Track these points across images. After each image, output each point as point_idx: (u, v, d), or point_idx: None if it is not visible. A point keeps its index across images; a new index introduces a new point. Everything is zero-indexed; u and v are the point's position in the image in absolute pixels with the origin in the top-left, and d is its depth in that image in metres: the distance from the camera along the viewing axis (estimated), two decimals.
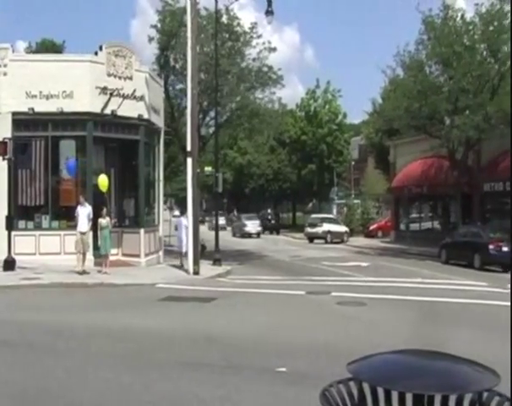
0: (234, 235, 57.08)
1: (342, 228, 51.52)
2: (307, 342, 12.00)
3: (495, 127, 32.22)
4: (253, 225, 56.84)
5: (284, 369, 9.63)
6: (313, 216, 55.94)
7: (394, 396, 3.13)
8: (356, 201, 63.39)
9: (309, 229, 51.28)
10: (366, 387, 3.17)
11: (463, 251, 30.06)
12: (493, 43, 33.40)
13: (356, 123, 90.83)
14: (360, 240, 50.55)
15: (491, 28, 33.53)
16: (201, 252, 27.14)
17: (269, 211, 70.21)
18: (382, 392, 3.14)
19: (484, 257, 28.44)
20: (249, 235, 55.12)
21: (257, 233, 56.35)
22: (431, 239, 38.01)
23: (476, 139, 34.61)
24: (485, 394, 3.09)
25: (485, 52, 34.72)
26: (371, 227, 56.21)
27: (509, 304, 18.01)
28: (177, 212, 48.79)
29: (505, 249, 28.30)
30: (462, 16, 34.77)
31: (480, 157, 38.02)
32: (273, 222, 66.25)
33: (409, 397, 3.10)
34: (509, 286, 20.81)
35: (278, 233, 63.71)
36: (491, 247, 28.38)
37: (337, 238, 49.51)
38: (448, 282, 23.19)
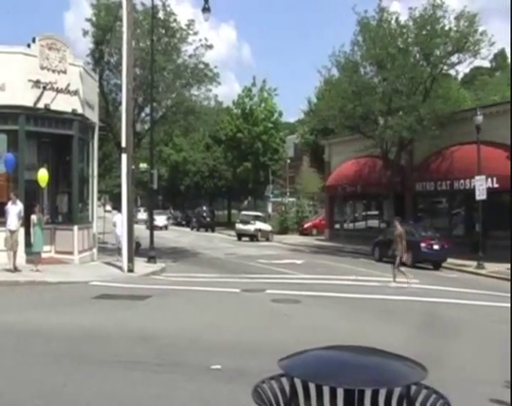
0: (147, 228, 57.84)
1: (268, 227, 52.02)
2: (242, 339, 12.06)
3: (427, 128, 32.94)
4: (160, 219, 63.81)
5: (219, 366, 9.66)
6: (244, 213, 55.86)
7: (326, 391, 3.20)
8: (291, 199, 63.79)
9: (241, 226, 51.14)
10: (298, 383, 3.23)
11: None
12: (426, 47, 34.19)
13: (291, 121, 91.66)
14: (295, 238, 50.96)
15: (424, 32, 34.31)
16: (136, 249, 26.94)
17: (204, 208, 70.10)
18: (314, 387, 3.21)
19: (416, 255, 29.03)
20: (160, 228, 60.33)
21: (164, 225, 64.49)
22: (365, 237, 38.59)
23: (409, 140, 35.36)
24: (413, 388, 3.19)
25: (418, 55, 35.49)
26: (306, 225, 56.67)
27: (438, 300, 18.53)
28: (108, 207, 48.33)
29: (436, 247, 29.01)
30: (397, 19, 35.45)
31: (412, 158, 38.81)
32: (208, 219, 66.17)
33: (340, 393, 3.17)
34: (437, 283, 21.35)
35: (213, 230, 63.67)
36: (422, 245, 29.02)
37: (263, 237, 49.92)
38: (381, 280, 23.61)
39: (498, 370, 10.35)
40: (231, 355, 10.52)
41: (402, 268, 22.22)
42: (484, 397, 8.67)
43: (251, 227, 50.07)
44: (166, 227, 65.23)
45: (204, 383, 8.82)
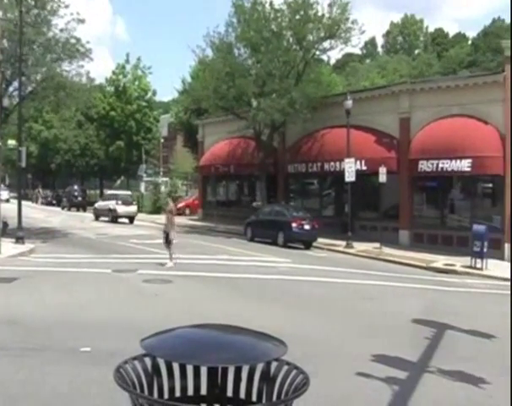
0: None
1: None
2: (112, 320, 11.95)
3: (299, 111, 33.50)
4: (3, 193, 62.07)
5: (88, 348, 9.56)
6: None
7: (190, 370, 3.23)
8: (164, 179, 63.35)
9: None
10: (161, 363, 3.25)
11: (268, 229, 31.12)
12: (299, 31, 34.72)
13: (165, 100, 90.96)
14: None
15: (297, 17, 34.83)
16: (3, 230, 25.98)
17: (75, 187, 68.29)
18: (177, 366, 3.23)
19: (287, 235, 29.69)
20: (4, 201, 58.15)
21: (6, 199, 62.07)
22: (237, 218, 38.93)
23: (282, 122, 35.84)
24: (274, 364, 3.29)
25: (291, 40, 36.00)
26: (179, 205, 56.37)
27: (308, 278, 19.05)
28: None
29: (307, 227, 29.70)
30: (271, 3, 35.77)
31: (285, 140, 39.40)
32: (79, 198, 64.49)
33: (204, 371, 3.22)
34: None
35: (85, 210, 62.12)
36: (294, 225, 29.64)
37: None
38: (253, 259, 23.98)
39: (364, 345, 10.81)
40: (101, 337, 10.43)
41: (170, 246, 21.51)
42: (351, 371, 9.03)
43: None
44: (7, 201, 63.86)
45: (72, 367, 8.70)
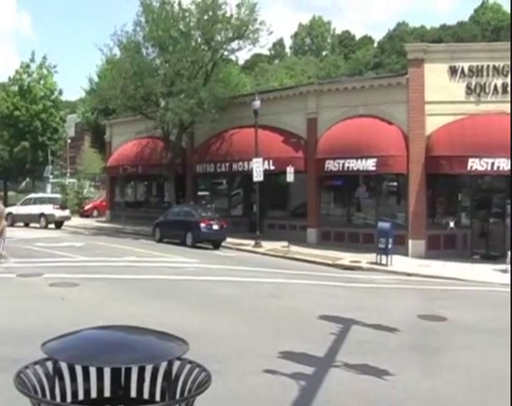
0: None
1: None
2: (16, 326, 11.67)
3: (207, 111, 33.56)
4: None
5: None
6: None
7: (93, 372, 3.21)
8: (71, 180, 62.16)
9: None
10: (64, 366, 3.21)
11: (176, 230, 31.02)
12: (207, 31, 34.78)
13: (72, 100, 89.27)
14: (75, 220, 49.60)
15: (206, 17, 34.86)
16: None
17: None
18: (80, 369, 3.21)
19: (196, 235, 29.67)
20: None
21: None
22: (146, 218, 38.64)
23: (190, 123, 35.76)
24: (177, 363, 3.32)
25: (199, 39, 36.02)
26: (86, 207, 55.46)
27: (217, 278, 19.13)
28: None
29: (215, 227, 29.77)
30: (179, 2, 35.68)
31: (193, 140, 39.33)
32: None
33: (107, 372, 3.21)
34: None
35: None
36: (202, 225, 29.66)
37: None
38: (161, 260, 23.89)
39: (271, 342, 10.94)
40: (4, 343, 10.16)
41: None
42: (258, 369, 9.13)
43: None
44: None
45: None
